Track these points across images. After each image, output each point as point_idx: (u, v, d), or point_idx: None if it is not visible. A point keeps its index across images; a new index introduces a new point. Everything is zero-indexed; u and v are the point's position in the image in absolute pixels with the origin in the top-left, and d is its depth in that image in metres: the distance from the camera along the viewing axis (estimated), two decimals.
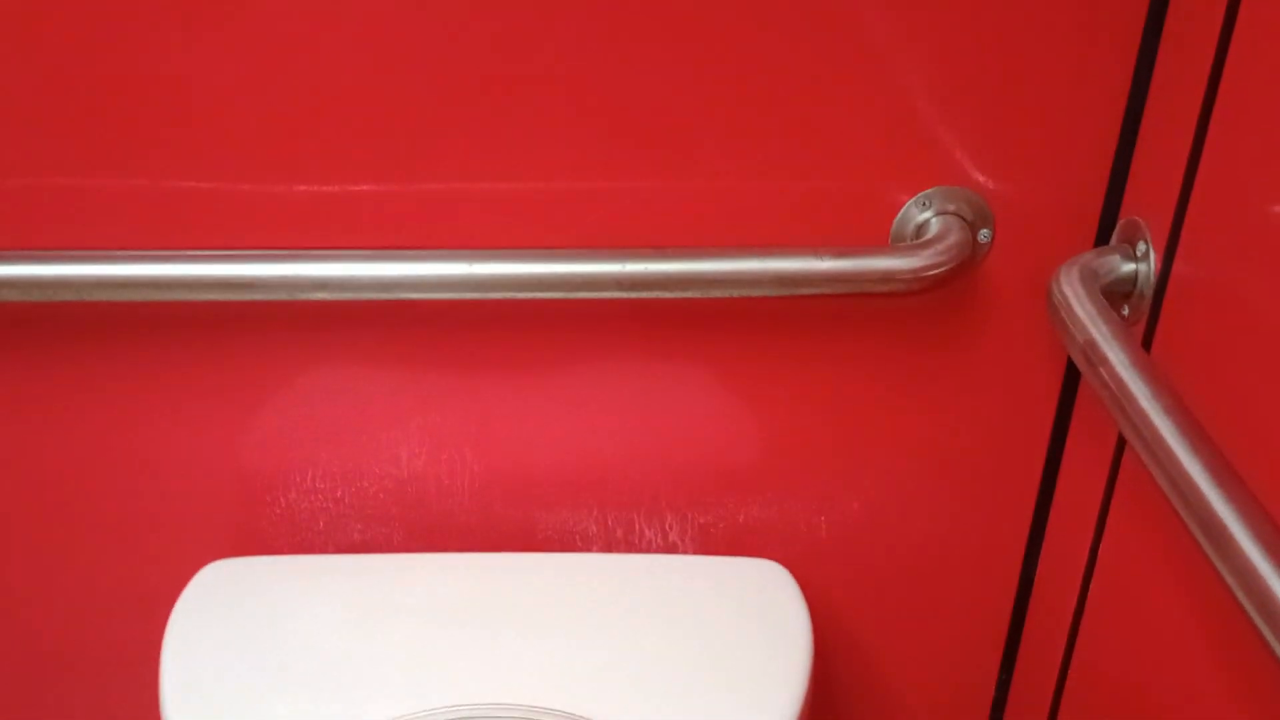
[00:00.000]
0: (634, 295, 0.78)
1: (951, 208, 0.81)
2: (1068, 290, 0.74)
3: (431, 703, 0.75)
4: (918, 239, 0.81)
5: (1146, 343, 0.77)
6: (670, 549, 0.96)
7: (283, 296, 0.79)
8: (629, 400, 0.90)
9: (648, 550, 0.96)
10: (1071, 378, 0.88)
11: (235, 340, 0.86)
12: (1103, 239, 0.82)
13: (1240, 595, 0.58)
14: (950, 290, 0.85)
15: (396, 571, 0.89)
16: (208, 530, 0.94)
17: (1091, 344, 0.70)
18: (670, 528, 0.96)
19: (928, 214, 0.82)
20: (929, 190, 0.81)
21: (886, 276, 0.78)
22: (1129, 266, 0.78)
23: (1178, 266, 0.75)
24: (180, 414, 0.88)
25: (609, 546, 0.96)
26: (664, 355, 0.88)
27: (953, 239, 0.79)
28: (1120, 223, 0.81)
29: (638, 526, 0.96)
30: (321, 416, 0.89)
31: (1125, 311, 0.79)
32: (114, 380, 0.87)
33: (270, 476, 0.92)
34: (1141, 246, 0.77)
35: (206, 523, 0.93)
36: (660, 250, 0.78)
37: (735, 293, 0.79)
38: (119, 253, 0.77)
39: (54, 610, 0.96)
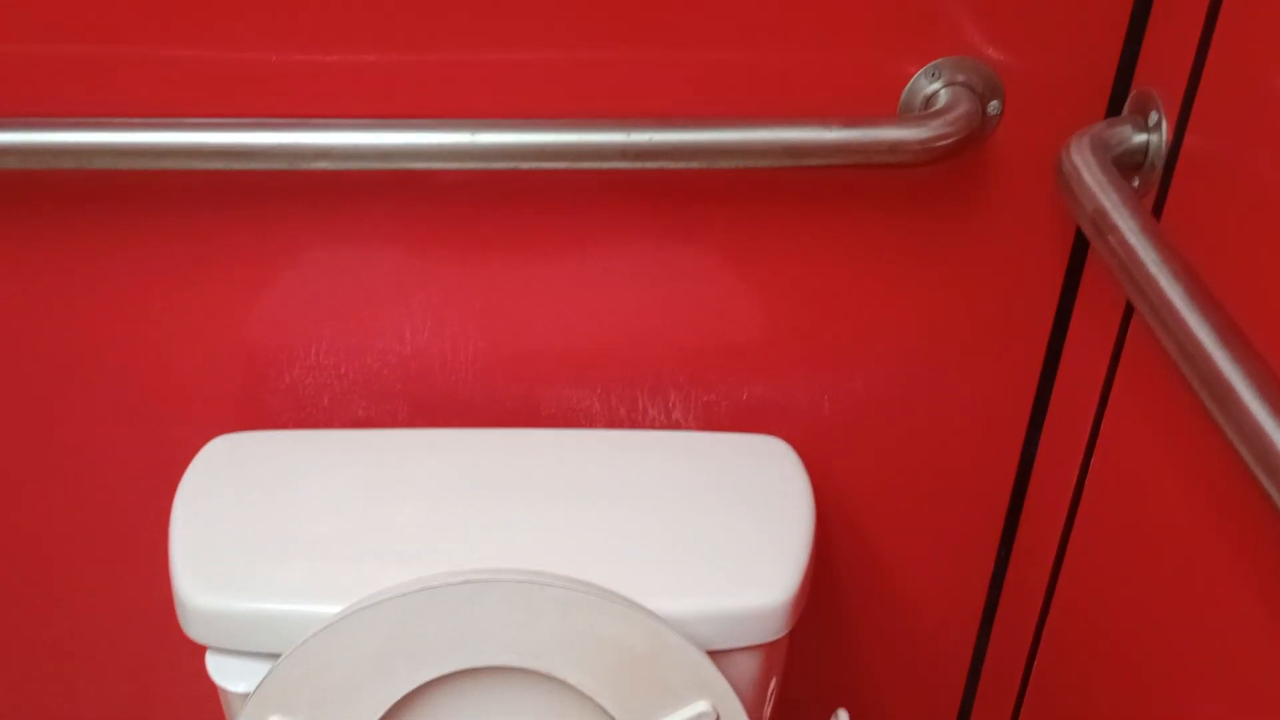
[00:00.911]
0: (639, 166, 0.77)
1: (961, 79, 0.80)
2: (1078, 160, 0.74)
3: (437, 569, 0.76)
4: (926, 110, 0.80)
5: (1156, 214, 0.77)
6: (673, 427, 0.96)
7: (284, 166, 0.78)
8: (633, 277, 0.89)
9: (651, 428, 0.96)
10: (1078, 253, 0.88)
11: (238, 215, 0.85)
12: (1114, 110, 0.81)
13: (1245, 454, 0.58)
14: (958, 162, 0.84)
15: (402, 445, 0.89)
16: (212, 407, 0.94)
17: (1101, 212, 0.70)
18: (673, 405, 0.96)
19: (936, 85, 0.80)
20: (938, 61, 0.80)
21: (894, 147, 0.77)
22: (1140, 137, 0.77)
23: (1189, 138, 0.74)
24: (182, 287, 0.88)
25: (612, 424, 0.96)
26: (668, 231, 0.87)
27: (961, 110, 0.78)
28: (1132, 94, 0.80)
29: (641, 404, 0.96)
30: (324, 292, 0.89)
31: (1135, 183, 0.78)
32: (117, 254, 0.87)
33: (274, 352, 0.92)
34: (1153, 117, 0.76)
35: (210, 399, 0.94)
36: (666, 119, 0.77)
37: (742, 163, 0.78)
38: (119, 119, 0.76)
39: (59, 485, 0.97)
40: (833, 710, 1.05)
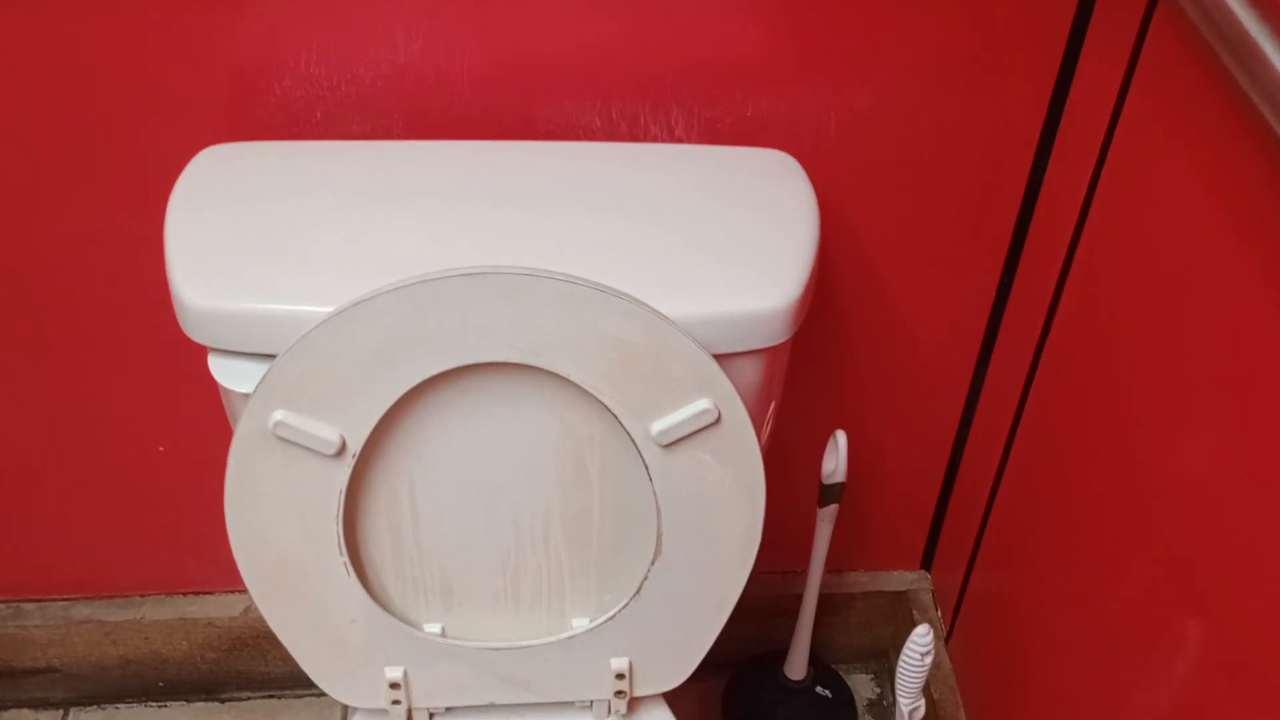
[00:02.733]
0: None
1: None
2: None
3: (435, 269, 0.74)
4: None
5: None
6: (676, 143, 0.94)
7: None
8: None
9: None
10: None
11: None
12: None
13: (1270, 118, 0.57)
14: None
15: (400, 155, 0.87)
16: (201, 119, 0.91)
17: None
18: (676, 122, 0.93)
19: None
20: None
21: None
22: None
23: None
24: None
25: (613, 139, 0.94)
26: None
27: None
28: None
29: (643, 121, 0.93)
30: None
31: None
32: None
33: (262, 61, 0.88)
34: None
35: (199, 111, 0.91)
36: None
37: None
38: None
39: (51, 197, 0.95)
40: (830, 432, 1.06)
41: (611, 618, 0.90)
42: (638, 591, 0.88)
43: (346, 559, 0.84)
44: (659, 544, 0.85)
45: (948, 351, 1.10)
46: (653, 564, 0.86)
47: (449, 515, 0.86)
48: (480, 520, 0.86)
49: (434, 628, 0.91)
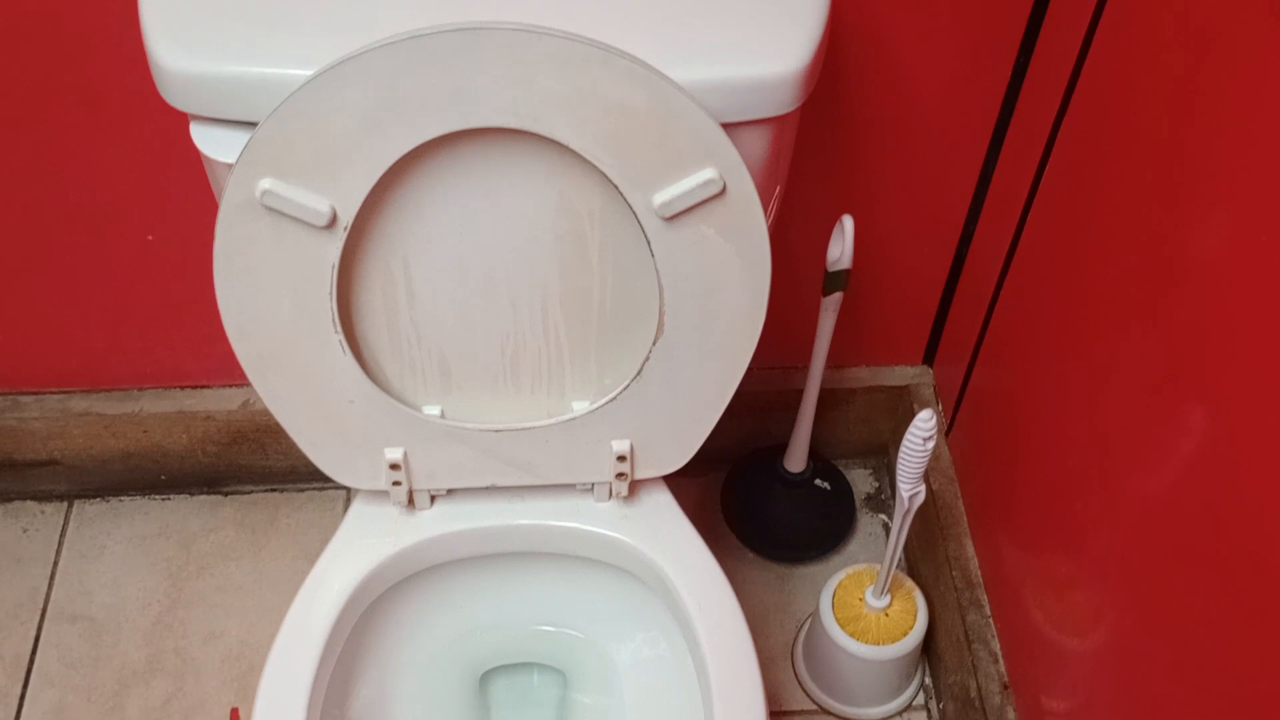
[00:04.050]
0: None
1: None
2: None
3: (426, 26, 0.70)
4: None
5: None
6: None
7: None
8: None
9: None
10: None
11: None
12: None
13: None
14: None
15: None
16: None
17: None
18: None
19: None
20: None
21: None
22: None
23: None
24: None
25: None
26: None
27: None
28: None
29: None
30: None
31: None
32: None
33: None
34: None
35: None
36: None
37: None
38: None
39: None
40: (835, 221, 1.04)
41: (612, 399, 0.89)
42: (639, 373, 0.87)
43: (342, 337, 0.83)
44: (661, 323, 0.83)
45: (959, 135, 1.06)
46: (654, 344, 0.85)
47: (445, 294, 0.83)
48: (477, 299, 0.84)
49: (433, 410, 0.91)
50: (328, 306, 0.81)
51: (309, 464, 0.93)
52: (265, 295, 0.80)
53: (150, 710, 1.24)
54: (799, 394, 1.22)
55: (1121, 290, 0.86)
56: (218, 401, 1.29)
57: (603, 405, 0.89)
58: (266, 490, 1.40)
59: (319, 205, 0.74)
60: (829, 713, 1.25)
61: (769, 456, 1.33)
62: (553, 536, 0.98)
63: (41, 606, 1.31)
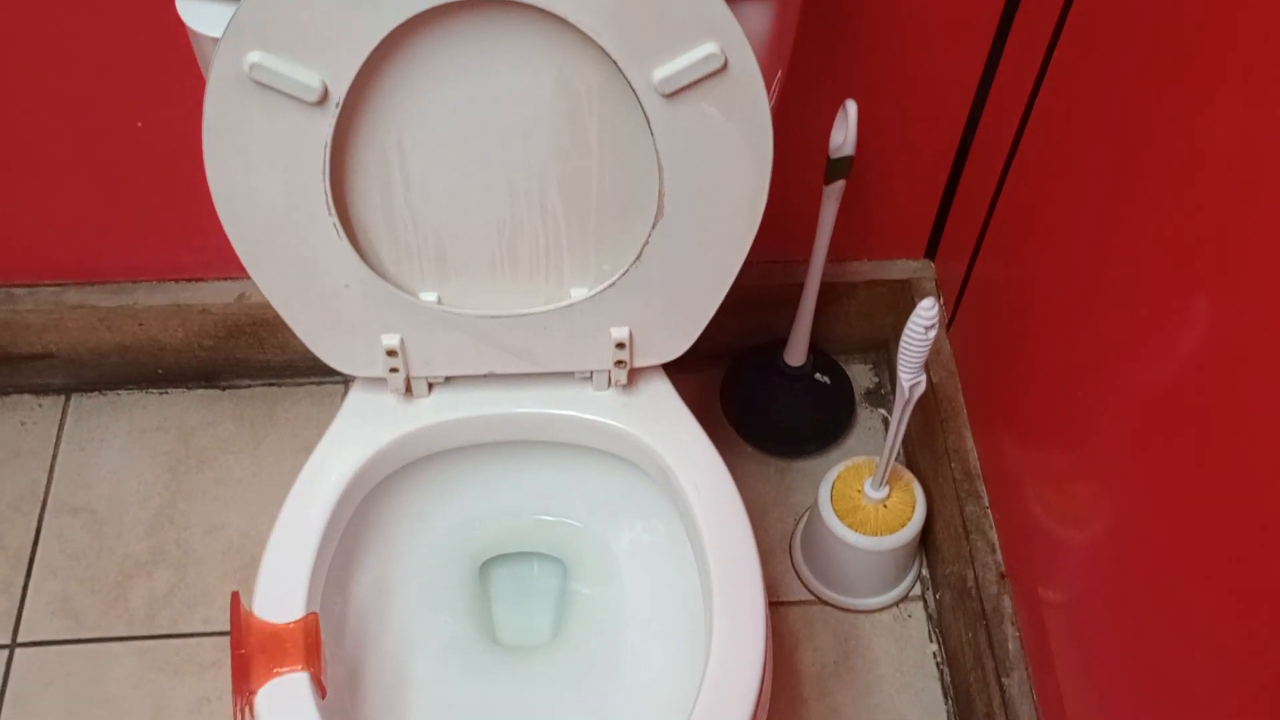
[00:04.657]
0: None
1: None
2: None
3: None
4: None
5: None
6: None
7: None
8: None
9: None
10: None
11: None
12: None
13: None
14: None
15: None
16: None
17: None
18: None
19: None
20: None
21: None
22: None
23: None
24: None
25: None
26: None
27: None
28: None
29: None
30: None
31: None
32: None
33: None
34: None
35: None
36: None
37: None
38: None
39: None
40: (838, 107, 1.01)
41: (611, 285, 0.88)
42: (638, 257, 0.86)
43: (336, 219, 0.81)
44: (660, 206, 0.82)
45: (965, 20, 1.03)
46: (654, 227, 0.83)
47: (441, 177, 0.82)
48: (474, 182, 0.83)
49: (430, 296, 0.89)
50: (321, 188, 0.79)
51: (306, 358, 0.92)
52: (257, 175, 0.78)
53: (154, 599, 1.25)
54: (799, 288, 1.21)
55: (1127, 179, 0.84)
56: (214, 295, 1.28)
57: (601, 291, 0.88)
58: (264, 384, 1.39)
59: (309, 80, 0.73)
60: (827, 603, 1.27)
61: (769, 351, 1.33)
62: (552, 425, 0.98)
63: (42, 499, 1.31)
